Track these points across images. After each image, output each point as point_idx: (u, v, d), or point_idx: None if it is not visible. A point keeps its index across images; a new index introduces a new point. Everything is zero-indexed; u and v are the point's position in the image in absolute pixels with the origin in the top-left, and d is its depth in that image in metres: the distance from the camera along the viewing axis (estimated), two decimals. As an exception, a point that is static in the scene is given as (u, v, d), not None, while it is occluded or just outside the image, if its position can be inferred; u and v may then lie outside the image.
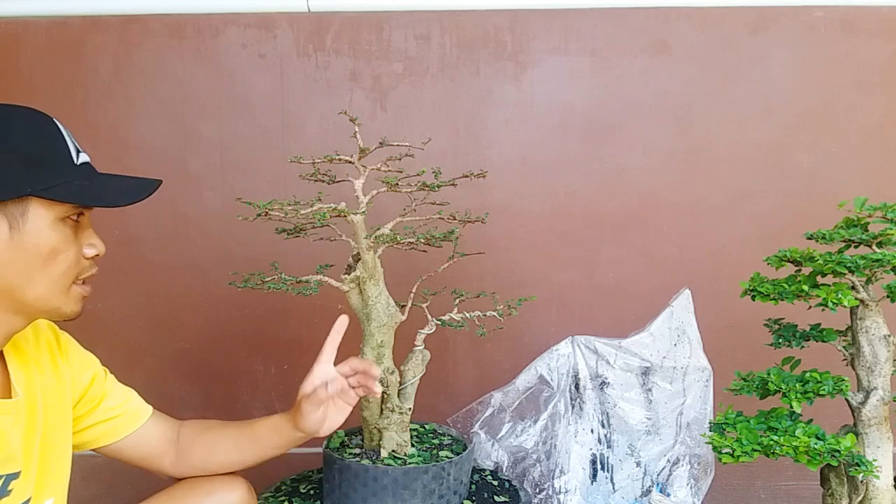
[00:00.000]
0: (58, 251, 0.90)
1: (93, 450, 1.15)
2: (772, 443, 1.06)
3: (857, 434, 1.14)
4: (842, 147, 1.98)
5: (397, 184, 1.35)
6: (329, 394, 1.14)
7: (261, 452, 1.20)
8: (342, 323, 1.23)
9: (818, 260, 1.11)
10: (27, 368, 0.99)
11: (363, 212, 1.31)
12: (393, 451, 1.39)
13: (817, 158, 1.98)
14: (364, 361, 1.19)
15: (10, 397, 0.94)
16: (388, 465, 1.34)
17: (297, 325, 2.00)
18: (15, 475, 0.91)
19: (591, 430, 1.68)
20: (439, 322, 1.43)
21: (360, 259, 1.34)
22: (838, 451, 1.03)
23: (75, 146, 0.94)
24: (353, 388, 1.19)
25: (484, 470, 1.59)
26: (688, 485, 1.64)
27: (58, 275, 0.91)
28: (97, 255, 0.96)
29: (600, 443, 1.68)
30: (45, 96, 1.96)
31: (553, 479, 1.64)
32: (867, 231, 1.13)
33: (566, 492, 1.63)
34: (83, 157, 0.94)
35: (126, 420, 1.14)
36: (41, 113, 0.92)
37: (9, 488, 0.90)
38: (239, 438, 1.20)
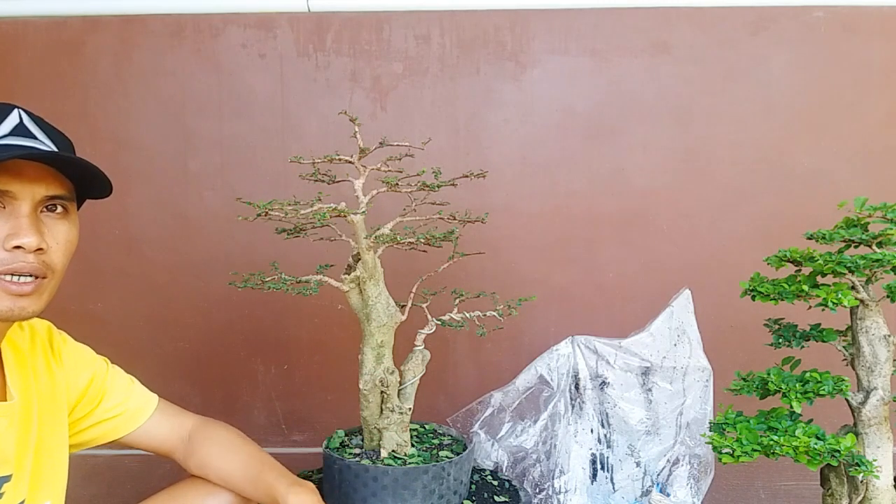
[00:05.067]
0: None
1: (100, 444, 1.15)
2: (772, 443, 1.06)
3: (857, 434, 1.13)
4: (842, 147, 1.97)
5: (397, 184, 1.35)
6: None
7: (253, 494, 1.13)
8: None
9: (818, 260, 1.11)
10: (24, 371, 0.99)
11: (363, 212, 1.31)
12: (393, 451, 1.39)
13: (817, 158, 1.98)
14: None
15: (6, 400, 0.94)
16: (388, 465, 1.34)
17: (297, 325, 2.00)
18: (6, 478, 0.91)
19: (591, 430, 1.68)
20: (439, 322, 1.43)
21: (360, 259, 1.34)
22: (838, 451, 1.03)
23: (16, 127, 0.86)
24: None
25: (484, 470, 1.59)
26: (688, 485, 1.64)
27: None
28: (18, 246, 0.84)
29: (600, 443, 1.68)
30: (45, 96, 1.96)
31: (553, 479, 1.64)
32: (867, 231, 1.13)
33: (566, 492, 1.63)
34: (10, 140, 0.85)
35: (126, 419, 1.14)
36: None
37: (1, 491, 0.90)
38: (247, 470, 1.14)
